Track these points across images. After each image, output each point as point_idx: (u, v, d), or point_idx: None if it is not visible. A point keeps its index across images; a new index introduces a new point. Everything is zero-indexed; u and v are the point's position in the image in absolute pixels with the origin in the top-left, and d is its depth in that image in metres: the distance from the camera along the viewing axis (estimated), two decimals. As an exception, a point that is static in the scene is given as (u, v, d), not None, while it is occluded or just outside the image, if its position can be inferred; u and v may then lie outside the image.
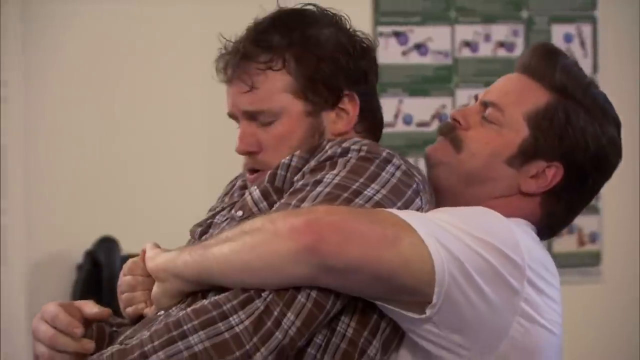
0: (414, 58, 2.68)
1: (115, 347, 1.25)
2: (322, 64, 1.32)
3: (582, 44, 2.63)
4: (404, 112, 2.59)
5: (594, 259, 2.78)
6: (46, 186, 3.02)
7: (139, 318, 1.34)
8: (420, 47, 2.64)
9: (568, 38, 2.66)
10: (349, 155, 1.29)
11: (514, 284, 1.21)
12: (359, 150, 1.29)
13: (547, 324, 1.26)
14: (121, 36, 3.04)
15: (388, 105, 2.53)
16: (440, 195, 1.36)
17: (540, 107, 1.32)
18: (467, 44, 2.59)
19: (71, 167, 2.95)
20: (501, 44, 2.47)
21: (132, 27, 3.12)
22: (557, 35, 2.70)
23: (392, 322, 1.24)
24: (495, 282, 1.20)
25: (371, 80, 1.39)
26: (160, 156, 2.91)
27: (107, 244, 2.62)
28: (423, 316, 1.17)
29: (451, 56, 2.61)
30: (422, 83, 2.63)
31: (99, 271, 2.66)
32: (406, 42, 2.65)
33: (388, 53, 2.63)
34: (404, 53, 2.63)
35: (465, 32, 2.63)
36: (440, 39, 2.65)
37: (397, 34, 2.62)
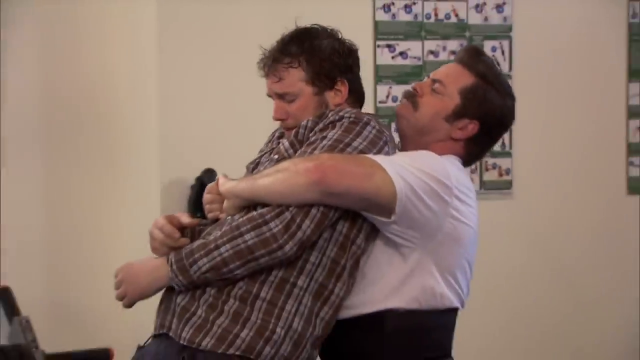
0: (399, 61, 3.70)
1: (199, 241, 1.85)
2: (323, 62, 1.95)
3: (503, 53, 3.61)
4: (392, 95, 3.55)
5: (508, 185, 3.80)
6: (176, 130, 3.72)
7: (215, 220, 1.98)
8: (403, 54, 3.66)
9: (494, 49, 3.61)
10: (343, 120, 1.90)
11: (446, 198, 1.81)
12: (350, 117, 1.90)
13: (467, 222, 1.88)
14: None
15: (382, 90, 3.62)
16: (403, 142, 2.02)
17: (468, 85, 1.91)
18: (431, 52, 3.64)
19: (195, 117, 3.68)
20: (453, 52, 3.47)
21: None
22: (487, 47, 3.60)
23: (371, 223, 1.85)
24: (434, 198, 1.80)
25: (355, 70, 2.04)
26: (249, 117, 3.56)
27: (209, 173, 3.42)
28: (390, 220, 1.78)
29: (422, 60, 3.59)
30: (404, 76, 3.61)
31: (203, 191, 3.44)
32: (394, 51, 3.68)
33: (383, 58, 3.67)
34: (393, 57, 3.66)
35: (431, 45, 3.67)
36: (415, 49, 3.68)
37: (388, 46, 3.65)
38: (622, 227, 3.99)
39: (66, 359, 3.32)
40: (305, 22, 2.05)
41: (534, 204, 3.86)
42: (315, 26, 2.10)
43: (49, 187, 3.75)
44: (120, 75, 3.84)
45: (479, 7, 3.81)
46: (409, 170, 1.85)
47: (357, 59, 2.13)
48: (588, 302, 3.95)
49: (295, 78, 2.03)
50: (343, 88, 2.06)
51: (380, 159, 1.88)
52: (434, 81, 2.04)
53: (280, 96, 2.02)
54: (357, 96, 2.11)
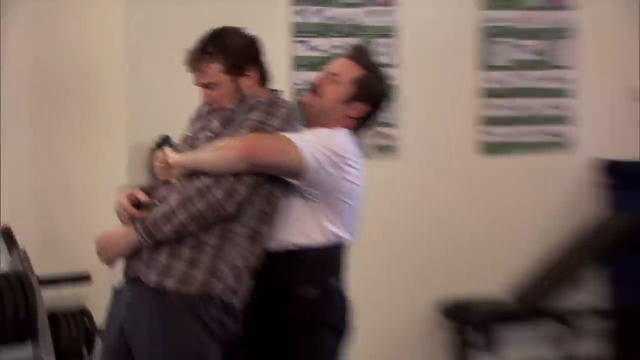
0: (307, 52, 4.05)
1: (160, 210, 2.14)
2: (235, 56, 2.25)
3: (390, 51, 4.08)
4: (307, 79, 3.81)
5: (394, 150, 4.23)
6: (141, 104, 3.98)
7: (165, 182, 2.27)
8: (314, 48, 4.07)
9: (383, 45, 4.03)
10: (261, 105, 2.22)
11: (341, 165, 2.14)
12: (266, 102, 2.24)
13: (355, 181, 2.21)
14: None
15: (299, 75, 3.97)
16: (308, 122, 2.32)
17: (358, 76, 2.24)
18: (336, 47, 4.03)
19: (157, 92, 3.93)
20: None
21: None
22: (382, 46, 4.13)
23: (287, 182, 2.17)
24: (332, 166, 2.12)
25: (260, 59, 2.34)
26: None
27: (165, 138, 3.58)
28: (300, 182, 2.12)
29: (328, 53, 3.97)
30: (315, 65, 3.85)
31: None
32: (308, 45, 4.04)
33: (299, 51, 4.04)
34: (307, 50, 4.04)
35: (335, 41, 4.07)
36: (323, 45, 4.05)
37: (302, 42, 4.04)
38: (476, 183, 4.50)
39: (54, 280, 3.74)
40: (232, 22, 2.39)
41: (415, 165, 4.34)
42: (228, 27, 2.42)
43: (37, 145, 3.98)
44: (97, 55, 4.03)
45: (372, 12, 4.19)
46: (314, 146, 2.18)
47: (260, 50, 2.45)
48: (462, 241, 4.47)
49: (215, 71, 2.32)
50: (252, 74, 2.36)
51: (291, 136, 2.20)
52: (332, 74, 2.36)
53: (205, 85, 2.34)
54: (264, 78, 2.44)
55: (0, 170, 3.86)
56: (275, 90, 2.46)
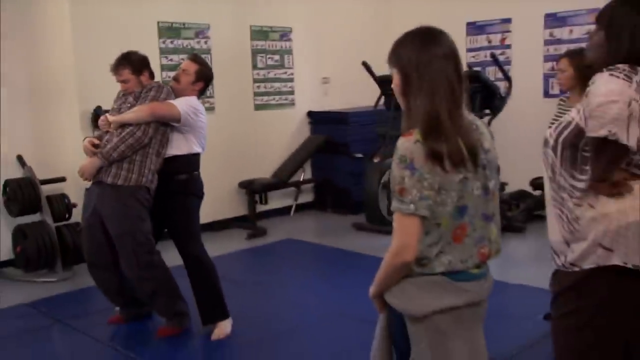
0: (167, 62, 6.57)
1: (109, 146, 3.60)
2: (138, 63, 3.82)
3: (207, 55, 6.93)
4: (170, 74, 6.51)
5: (213, 107, 6.47)
6: (87, 82, 5.40)
7: (106, 132, 3.71)
8: (170, 60, 6.57)
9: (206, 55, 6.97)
10: (153, 88, 3.75)
11: (196, 113, 3.69)
12: (156, 87, 3.77)
13: (203, 121, 3.74)
14: None
15: (167, 74, 6.59)
16: (176, 95, 3.73)
17: (197, 69, 3.86)
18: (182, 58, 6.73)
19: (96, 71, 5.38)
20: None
21: None
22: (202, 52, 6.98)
23: (172, 125, 3.66)
24: (192, 113, 3.68)
25: (148, 64, 3.85)
26: None
27: (99, 108, 5.27)
28: (178, 124, 3.67)
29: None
30: (173, 68, 6.31)
31: (97, 117, 5.31)
32: (166, 58, 6.63)
33: (164, 61, 6.43)
34: (165, 60, 6.70)
35: (181, 56, 6.71)
36: (175, 58, 6.57)
37: (165, 57, 6.11)
38: (254, 123, 6.86)
39: (47, 180, 5.30)
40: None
41: (223, 115, 6.43)
42: (131, 51, 3.83)
43: (31, 114, 5.42)
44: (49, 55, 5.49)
45: (198, 42, 6.50)
46: (183, 106, 3.65)
47: (148, 61, 3.87)
48: (249, 151, 6.92)
49: (127, 72, 3.79)
50: (146, 73, 3.84)
51: (173, 102, 3.64)
52: (183, 70, 3.82)
53: (122, 81, 3.81)
54: (152, 75, 3.87)
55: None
56: (158, 81, 3.91)
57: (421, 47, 1.84)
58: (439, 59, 1.83)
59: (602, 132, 1.90)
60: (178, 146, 3.78)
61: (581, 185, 2.03)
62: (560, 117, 3.30)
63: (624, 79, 1.94)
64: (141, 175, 3.66)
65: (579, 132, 2.00)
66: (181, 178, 3.79)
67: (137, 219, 3.65)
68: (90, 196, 3.81)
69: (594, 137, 1.93)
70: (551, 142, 2.10)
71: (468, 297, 1.88)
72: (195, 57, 3.94)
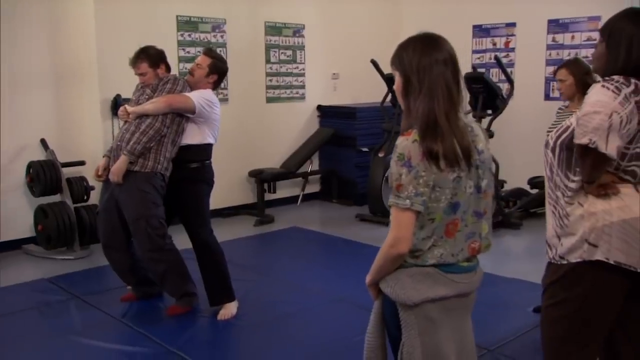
0: (184, 54, 6.62)
1: (132, 143, 3.64)
2: (155, 57, 3.89)
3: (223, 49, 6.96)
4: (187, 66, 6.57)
5: (228, 99, 6.71)
6: (109, 71, 5.53)
7: (124, 122, 3.80)
8: (187, 52, 6.50)
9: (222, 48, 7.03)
10: (169, 81, 3.82)
11: (210, 106, 3.74)
12: (172, 80, 3.84)
13: (218, 112, 3.81)
14: None
15: (182, 64, 6.59)
16: (191, 88, 3.78)
17: (210, 63, 3.83)
18: (198, 52, 6.75)
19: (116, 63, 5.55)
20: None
21: None
22: (218, 46, 6.98)
23: (188, 117, 3.71)
24: (207, 105, 3.73)
25: (165, 58, 3.92)
26: None
27: (119, 96, 5.46)
28: (194, 115, 3.72)
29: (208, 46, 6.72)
30: (189, 60, 6.54)
31: (117, 104, 5.42)
32: (183, 50, 6.69)
33: (181, 53, 6.45)
34: (182, 53, 6.63)
35: (198, 49, 6.67)
36: (192, 50, 6.63)
37: (182, 49, 6.36)
38: (266, 116, 6.93)
39: (67, 164, 5.38)
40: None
41: (236, 106, 6.51)
42: (149, 45, 3.90)
43: (54, 99, 5.48)
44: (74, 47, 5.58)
45: (214, 35, 6.51)
46: (198, 98, 3.71)
47: (164, 55, 3.93)
48: (259, 142, 7.11)
49: (145, 65, 3.86)
50: (162, 66, 3.90)
51: (188, 94, 3.69)
52: (198, 64, 3.84)
53: (140, 74, 3.88)
54: (168, 68, 3.94)
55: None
56: (174, 74, 3.95)
57: (422, 53, 1.88)
58: (438, 64, 1.87)
59: (584, 140, 1.98)
60: (192, 136, 3.82)
61: (574, 185, 2.11)
62: (558, 124, 3.37)
63: (613, 91, 2.01)
64: (157, 162, 3.71)
65: (574, 136, 2.06)
66: (193, 166, 3.83)
67: (151, 204, 3.70)
68: (108, 182, 3.85)
69: (578, 144, 2.00)
70: (551, 143, 2.18)
71: (458, 289, 1.94)
72: (209, 51, 3.96)
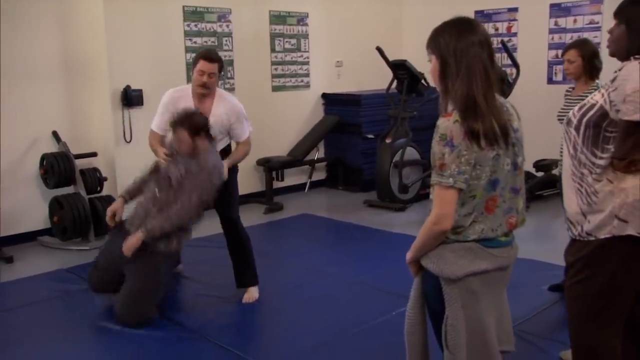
0: (190, 44, 6.75)
1: (152, 225, 3.58)
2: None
3: (229, 46, 7.03)
4: None
5: (234, 89, 6.96)
6: (118, 62, 5.58)
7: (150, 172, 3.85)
8: (194, 42, 6.68)
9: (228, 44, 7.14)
10: (206, 171, 3.65)
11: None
12: (210, 170, 3.66)
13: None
14: None
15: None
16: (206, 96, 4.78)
17: (219, 67, 5.68)
18: (205, 41, 6.90)
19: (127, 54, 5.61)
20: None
21: None
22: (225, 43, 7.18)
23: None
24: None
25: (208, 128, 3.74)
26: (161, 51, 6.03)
27: (129, 87, 5.74)
28: None
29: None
30: (194, 50, 6.72)
31: (128, 93, 6.03)
32: (190, 40, 6.80)
33: (188, 42, 6.72)
34: (189, 42, 6.77)
35: (204, 40, 6.84)
36: (199, 41, 6.76)
37: (189, 39, 6.65)
38: (272, 105, 6.93)
39: (80, 155, 5.43)
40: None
41: (243, 95, 6.21)
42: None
43: (65, 89, 5.50)
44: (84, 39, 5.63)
45: (221, 25, 6.44)
46: (249, 128, 4.08)
47: (207, 124, 3.74)
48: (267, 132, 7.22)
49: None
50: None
51: (243, 130, 4.03)
52: (210, 74, 3.78)
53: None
54: (209, 138, 3.77)
55: None
56: (213, 152, 3.80)
57: (458, 35, 1.94)
58: (474, 46, 1.93)
59: (636, 117, 2.02)
60: (225, 142, 4.04)
61: (602, 162, 2.17)
62: (569, 108, 3.45)
63: None
64: (180, 245, 3.79)
65: (602, 114, 2.13)
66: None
67: (161, 280, 3.74)
68: (117, 229, 3.85)
69: (627, 120, 2.05)
70: (574, 121, 2.23)
71: (497, 262, 2.02)
72: (210, 55, 3.84)
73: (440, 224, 1.93)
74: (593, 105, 2.17)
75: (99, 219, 5.36)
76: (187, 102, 3.84)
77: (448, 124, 1.91)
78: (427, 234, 1.97)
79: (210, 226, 4.08)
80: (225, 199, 3.91)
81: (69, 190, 5.46)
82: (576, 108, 2.26)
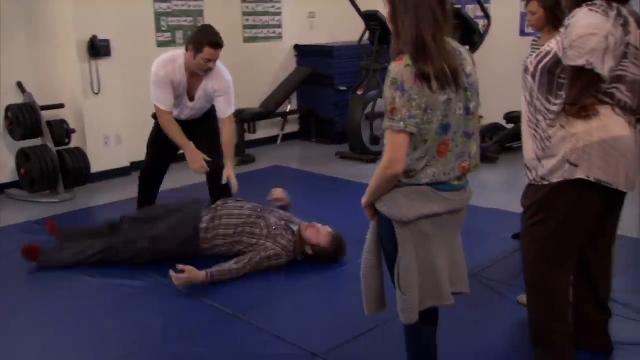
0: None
1: (219, 271, 3.43)
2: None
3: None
4: None
5: None
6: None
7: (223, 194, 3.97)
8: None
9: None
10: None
11: None
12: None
13: None
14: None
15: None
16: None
17: None
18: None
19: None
20: None
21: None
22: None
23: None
24: None
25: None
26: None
27: (95, 37, 6.13)
28: None
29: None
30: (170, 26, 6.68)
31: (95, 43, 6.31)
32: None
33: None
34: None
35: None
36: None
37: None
38: (242, 55, 6.79)
39: (46, 107, 5.32)
40: None
41: None
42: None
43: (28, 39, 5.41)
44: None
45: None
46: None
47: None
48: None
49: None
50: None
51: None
52: (215, 61, 4.13)
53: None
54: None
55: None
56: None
57: None
58: None
59: (580, 62, 2.07)
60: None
61: (555, 108, 2.21)
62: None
63: (602, 14, 2.10)
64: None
65: (556, 61, 2.16)
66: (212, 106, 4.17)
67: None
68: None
69: (572, 66, 2.09)
70: (531, 69, 2.26)
71: (449, 205, 2.05)
72: (219, 42, 3.91)
73: (392, 167, 1.95)
74: (548, 53, 2.21)
75: (68, 171, 5.36)
76: (182, 76, 3.89)
77: (399, 68, 1.92)
78: (380, 178, 2.00)
79: (182, 178, 4.07)
80: (209, 146, 3.97)
81: (36, 142, 5.38)
82: (533, 56, 2.30)
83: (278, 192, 4.14)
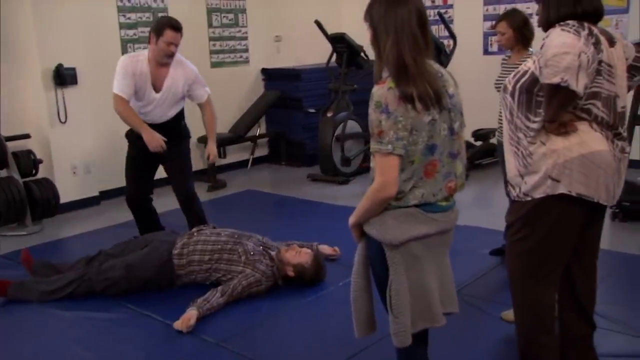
0: (125, 20, 6.57)
1: (208, 305, 3.33)
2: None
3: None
4: None
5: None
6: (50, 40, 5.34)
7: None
8: (128, 18, 6.59)
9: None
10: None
11: None
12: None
13: None
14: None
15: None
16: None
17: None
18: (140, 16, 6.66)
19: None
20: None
21: None
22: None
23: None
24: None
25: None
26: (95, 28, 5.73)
27: (61, 66, 5.96)
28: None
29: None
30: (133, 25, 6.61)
31: (60, 71, 6.17)
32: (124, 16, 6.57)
33: (122, 19, 6.50)
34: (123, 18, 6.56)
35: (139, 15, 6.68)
36: (133, 16, 6.62)
37: (123, 15, 6.53)
38: (211, 81, 7.08)
39: (12, 137, 5.25)
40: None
41: None
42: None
43: None
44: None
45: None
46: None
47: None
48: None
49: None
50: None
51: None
52: (177, 45, 4.13)
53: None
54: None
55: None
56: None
57: (387, 5, 2.02)
58: (403, 14, 1.99)
59: (556, 80, 2.12)
60: (179, 107, 4.26)
61: (535, 125, 2.25)
62: (505, 76, 3.56)
63: (574, 33, 2.17)
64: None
65: (534, 79, 2.21)
66: (183, 124, 4.30)
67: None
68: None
69: (548, 84, 2.14)
70: (510, 88, 2.31)
71: (438, 226, 2.06)
72: (178, 25, 4.01)
73: (385, 190, 1.95)
74: (525, 72, 2.27)
75: (36, 202, 5.23)
76: (144, 67, 3.96)
77: (382, 91, 1.94)
78: (372, 200, 1.99)
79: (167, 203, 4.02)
80: (185, 170, 4.11)
81: (2, 174, 5.24)
82: (511, 75, 2.35)
83: (327, 250, 4.16)
